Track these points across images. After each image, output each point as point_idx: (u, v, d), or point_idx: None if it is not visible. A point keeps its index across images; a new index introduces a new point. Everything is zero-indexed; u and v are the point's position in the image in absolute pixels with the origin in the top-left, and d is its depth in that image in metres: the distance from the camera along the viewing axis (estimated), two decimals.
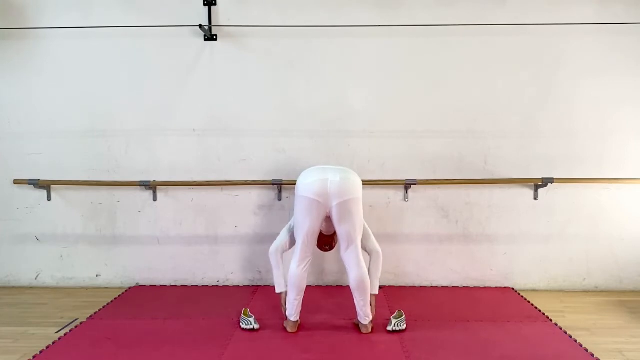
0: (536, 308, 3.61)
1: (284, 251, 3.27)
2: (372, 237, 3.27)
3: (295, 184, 3.21)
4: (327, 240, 3.31)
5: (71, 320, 3.41)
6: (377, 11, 3.87)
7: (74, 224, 4.10)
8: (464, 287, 4.06)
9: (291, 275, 3.13)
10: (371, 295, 3.16)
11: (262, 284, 4.10)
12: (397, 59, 3.92)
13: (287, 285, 3.20)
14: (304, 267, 3.13)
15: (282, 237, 3.28)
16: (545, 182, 3.88)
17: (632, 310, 3.62)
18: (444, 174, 3.97)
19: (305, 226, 3.08)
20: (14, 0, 3.93)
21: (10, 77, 4.00)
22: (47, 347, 2.98)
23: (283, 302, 3.25)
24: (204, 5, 3.89)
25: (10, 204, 4.09)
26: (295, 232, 3.17)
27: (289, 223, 3.30)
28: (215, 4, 3.89)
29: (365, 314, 3.15)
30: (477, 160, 3.98)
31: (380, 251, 3.24)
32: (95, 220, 4.09)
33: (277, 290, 3.27)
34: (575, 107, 3.91)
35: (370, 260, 3.23)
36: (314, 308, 3.48)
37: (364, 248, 3.22)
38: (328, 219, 3.14)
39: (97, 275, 4.15)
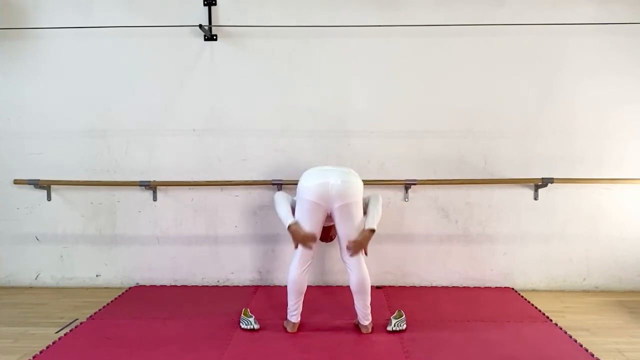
0: (536, 308, 3.61)
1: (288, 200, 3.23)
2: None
3: (295, 184, 3.22)
4: (326, 232, 3.31)
5: (71, 320, 3.42)
6: (377, 11, 3.87)
7: (74, 224, 4.10)
8: (464, 287, 4.06)
9: (291, 280, 3.13)
10: (366, 230, 3.08)
11: (262, 284, 4.10)
12: (397, 59, 3.92)
13: (296, 221, 3.08)
14: (304, 270, 3.13)
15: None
16: (545, 182, 3.88)
17: (632, 310, 3.62)
18: (444, 174, 3.97)
19: (306, 228, 3.08)
20: (14, 0, 3.93)
21: (10, 77, 4.00)
22: (47, 347, 2.98)
23: (300, 230, 3.06)
24: (204, 5, 3.89)
25: (10, 204, 4.09)
26: None
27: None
28: (215, 4, 3.89)
29: (365, 316, 3.15)
30: (477, 160, 3.98)
31: (380, 198, 3.20)
32: (95, 220, 4.09)
33: (288, 223, 3.07)
34: (576, 107, 3.91)
35: (369, 202, 3.19)
36: (314, 308, 3.48)
37: (365, 205, 3.20)
38: (328, 215, 3.14)
39: (97, 275, 4.15)
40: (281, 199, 3.21)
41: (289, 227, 3.07)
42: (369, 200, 3.21)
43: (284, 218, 3.12)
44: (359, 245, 3.08)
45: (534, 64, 3.89)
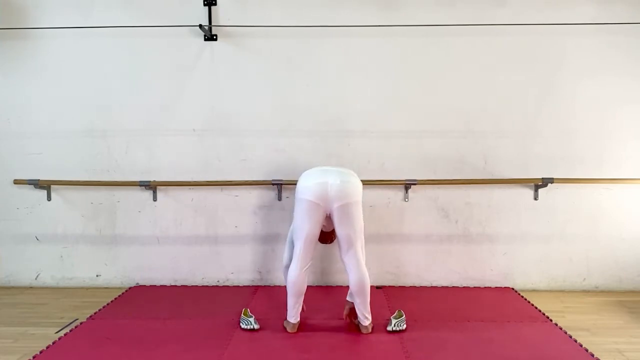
0: (536, 308, 3.61)
1: None
2: (363, 258, 3.17)
3: (295, 184, 3.21)
4: (326, 236, 3.32)
5: (71, 320, 3.41)
6: (377, 11, 3.87)
7: (74, 224, 4.10)
8: (464, 287, 4.06)
9: (291, 281, 3.12)
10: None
11: (262, 284, 4.10)
12: (397, 59, 3.92)
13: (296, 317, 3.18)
14: (304, 271, 3.12)
15: (288, 251, 3.24)
16: (545, 182, 3.88)
17: (632, 310, 3.62)
18: (444, 174, 3.97)
19: (305, 229, 3.08)
20: (14, 0, 3.93)
21: (10, 77, 4.00)
22: (47, 347, 2.98)
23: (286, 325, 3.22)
24: (204, 5, 3.89)
25: (10, 204, 4.09)
26: (294, 235, 3.16)
27: (289, 232, 3.26)
28: (215, 4, 3.89)
29: (364, 316, 3.15)
30: (477, 160, 3.98)
31: (366, 274, 3.13)
32: (95, 220, 4.09)
33: (289, 320, 3.20)
34: (576, 107, 3.91)
35: None
36: (314, 308, 3.47)
37: None
38: (328, 217, 3.13)
39: (97, 275, 4.15)
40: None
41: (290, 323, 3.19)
42: None
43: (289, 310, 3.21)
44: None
45: (534, 64, 3.89)
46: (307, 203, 3.05)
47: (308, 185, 3.07)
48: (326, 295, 3.84)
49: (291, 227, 3.24)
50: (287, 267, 3.19)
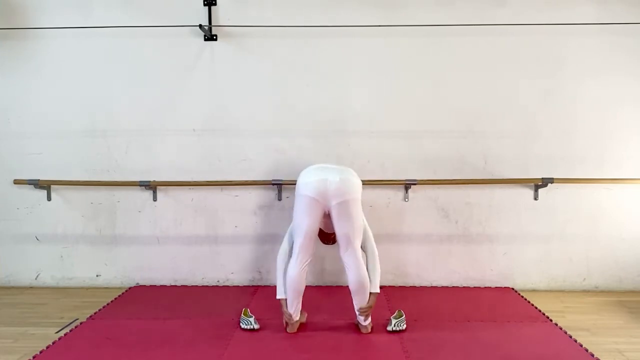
0: (536, 308, 3.61)
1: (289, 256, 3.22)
2: (372, 238, 3.22)
3: (295, 184, 3.21)
4: (327, 236, 3.32)
5: (71, 320, 3.42)
6: (377, 11, 3.87)
7: (74, 224, 4.10)
8: (464, 287, 4.06)
9: (290, 278, 3.12)
10: (371, 293, 3.14)
11: (262, 284, 4.10)
12: (397, 59, 3.92)
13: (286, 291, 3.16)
14: (303, 268, 3.12)
15: (287, 241, 3.22)
16: (545, 182, 3.88)
17: (632, 310, 3.62)
18: (444, 174, 3.97)
19: (304, 225, 3.08)
20: (14, 0, 3.93)
21: (10, 77, 4.00)
22: (47, 347, 2.98)
23: (284, 307, 3.18)
24: (204, 5, 3.89)
25: (10, 204, 4.09)
26: (293, 232, 3.16)
27: (290, 227, 3.25)
28: (215, 4, 3.89)
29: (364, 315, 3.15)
30: (477, 160, 3.98)
31: (377, 253, 3.18)
32: (95, 220, 4.09)
33: (278, 296, 3.18)
34: (576, 107, 3.91)
35: (367, 260, 3.19)
36: (314, 308, 3.47)
37: (362, 247, 3.19)
38: (327, 216, 3.13)
39: (97, 275, 4.15)
40: (281, 265, 3.19)
41: (278, 299, 3.18)
42: (366, 248, 3.20)
43: (277, 288, 3.20)
44: (369, 309, 3.14)
45: (535, 64, 3.89)
46: (307, 199, 3.06)
47: (307, 182, 3.08)
48: (326, 295, 3.84)
49: (291, 225, 3.23)
50: (283, 255, 3.18)
